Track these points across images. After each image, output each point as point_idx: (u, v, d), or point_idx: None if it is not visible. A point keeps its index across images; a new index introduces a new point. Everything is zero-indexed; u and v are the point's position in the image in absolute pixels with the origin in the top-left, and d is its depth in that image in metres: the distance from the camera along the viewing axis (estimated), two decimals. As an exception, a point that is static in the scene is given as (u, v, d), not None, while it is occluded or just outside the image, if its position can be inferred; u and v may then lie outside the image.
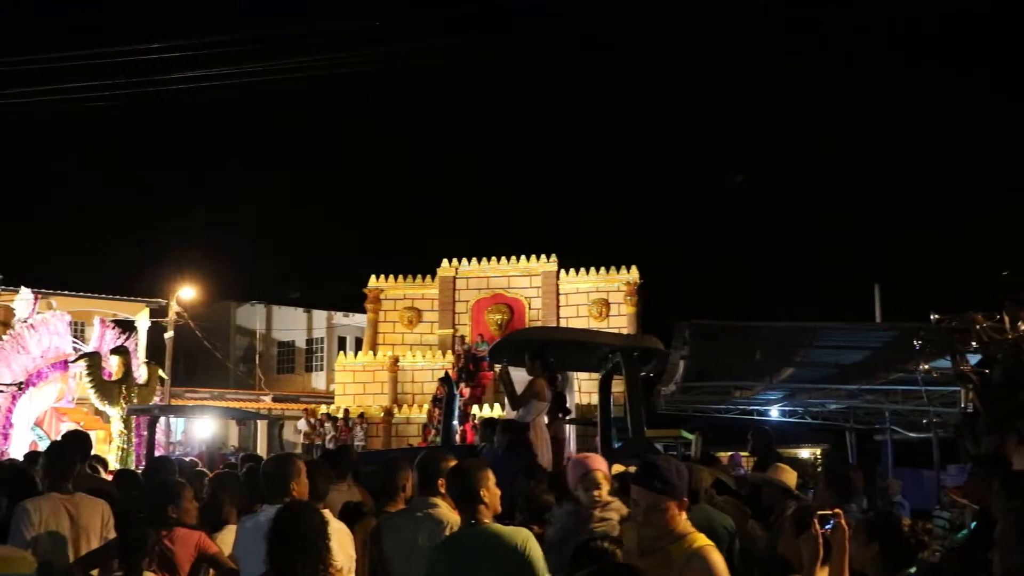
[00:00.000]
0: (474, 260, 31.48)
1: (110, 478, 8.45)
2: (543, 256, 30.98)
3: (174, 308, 32.18)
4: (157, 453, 16.77)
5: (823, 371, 14.75)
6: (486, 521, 4.29)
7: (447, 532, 4.58)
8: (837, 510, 3.80)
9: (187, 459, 11.23)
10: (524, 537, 4.21)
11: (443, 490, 4.72)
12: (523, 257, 31.17)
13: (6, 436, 16.17)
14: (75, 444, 6.68)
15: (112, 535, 5.35)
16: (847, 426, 19.21)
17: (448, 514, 4.71)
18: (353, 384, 30.28)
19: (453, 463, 4.80)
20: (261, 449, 31.67)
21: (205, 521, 5.62)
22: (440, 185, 57.73)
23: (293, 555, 3.85)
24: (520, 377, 9.58)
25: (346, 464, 6.54)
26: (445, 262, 31.49)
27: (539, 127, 62.68)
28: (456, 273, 31.41)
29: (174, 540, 5.08)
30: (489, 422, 9.54)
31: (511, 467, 6.99)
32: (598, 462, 5.12)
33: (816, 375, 15.36)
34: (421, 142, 60.48)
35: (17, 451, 15.86)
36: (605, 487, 4.96)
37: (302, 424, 28.10)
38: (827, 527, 3.68)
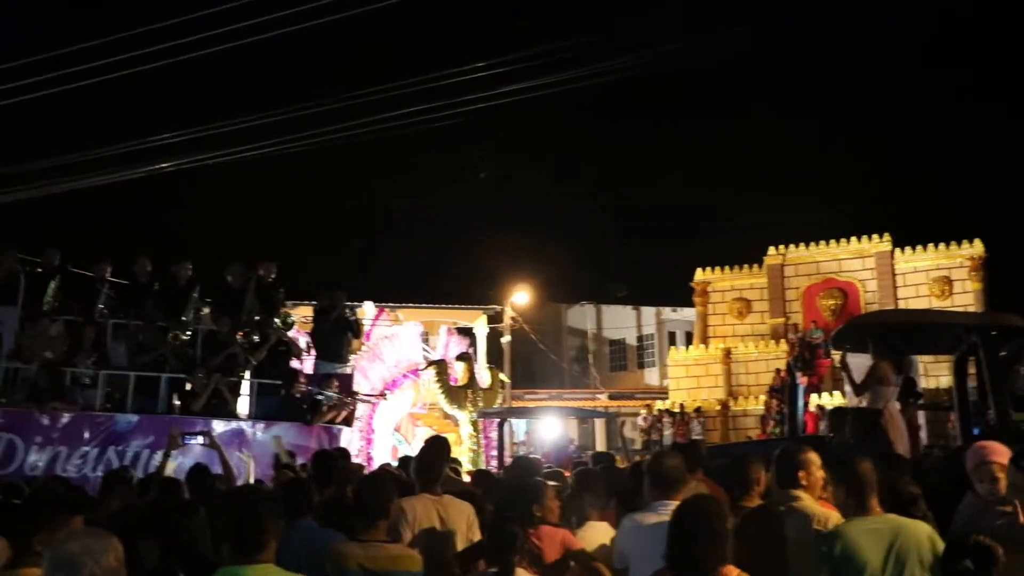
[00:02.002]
0: (801, 245, 30.56)
1: (467, 479, 8.85)
2: (875, 235, 29.58)
3: (509, 314, 33.42)
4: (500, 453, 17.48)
5: None
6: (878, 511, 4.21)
7: (814, 525, 4.45)
8: None
9: (534, 457, 11.58)
10: (929, 531, 4.07)
11: (804, 482, 4.59)
12: (853, 238, 29.91)
13: (369, 441, 17.34)
14: (440, 449, 6.97)
15: (476, 536, 5.57)
16: None
17: (812, 506, 4.58)
18: (687, 378, 30.22)
19: (811, 455, 4.66)
20: (600, 446, 32.23)
21: (567, 518, 5.76)
22: (756, 169, 56.45)
23: (695, 543, 3.91)
24: (855, 363, 9.17)
25: (696, 459, 6.48)
26: (772, 249, 30.78)
27: (866, 95, 59.88)
28: (784, 260, 30.64)
29: (541, 538, 5.21)
30: (838, 411, 9.19)
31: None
32: (996, 452, 4.78)
33: None
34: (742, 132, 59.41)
35: (379, 455, 16.98)
36: (1003, 479, 4.63)
37: (640, 420, 28.33)
38: None
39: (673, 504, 4.70)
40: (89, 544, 3.18)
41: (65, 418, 11.44)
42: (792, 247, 30.58)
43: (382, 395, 17.83)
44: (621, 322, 41.89)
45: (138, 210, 38.44)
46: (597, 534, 5.74)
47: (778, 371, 26.93)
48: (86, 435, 11.48)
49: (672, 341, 38.28)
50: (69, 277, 13.09)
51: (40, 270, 12.72)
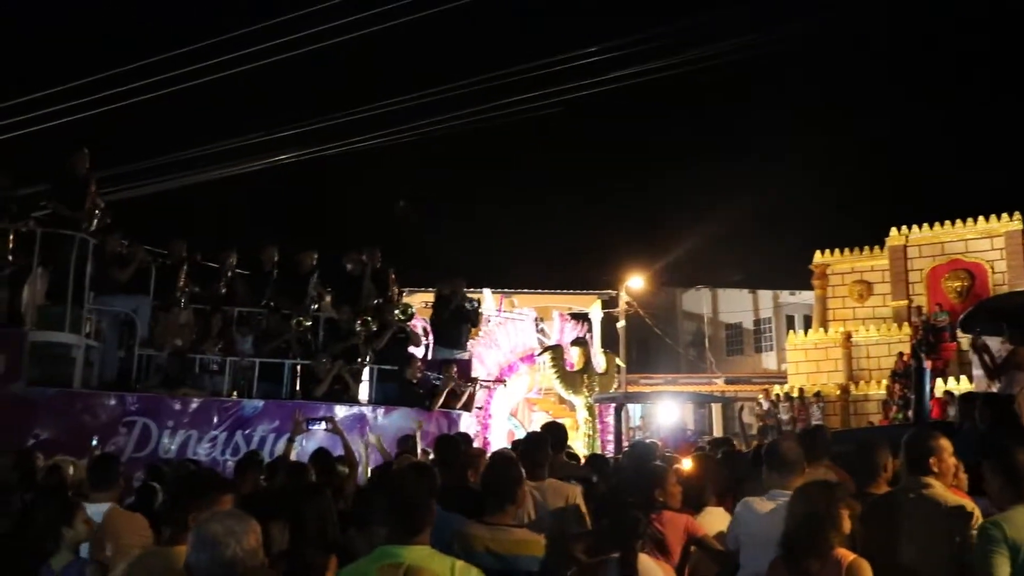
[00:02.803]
0: (925, 226, 29.69)
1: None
2: (1004, 215, 28.56)
3: (624, 298, 33.31)
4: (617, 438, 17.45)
5: None
6: None
7: (947, 512, 4.35)
8: None
9: (650, 442, 11.53)
10: None
11: (935, 469, 4.49)
12: (980, 218, 28.92)
13: (486, 426, 17.49)
14: (549, 434, 6.97)
15: (586, 520, 5.58)
16: None
17: (944, 493, 4.47)
18: (805, 362, 29.71)
19: (943, 441, 4.55)
20: (717, 432, 31.93)
21: (687, 504, 5.74)
22: (877, 150, 54.96)
23: (811, 529, 3.90)
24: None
25: (820, 445, 6.38)
26: (894, 230, 29.98)
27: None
28: (906, 241, 29.81)
29: (663, 523, 5.21)
30: (968, 397, 8.90)
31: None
32: None
33: None
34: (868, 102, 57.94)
35: (496, 440, 17.12)
36: None
37: (758, 405, 27.96)
38: None
39: (788, 491, 4.66)
40: (231, 525, 3.28)
41: (195, 403, 11.85)
42: (915, 228, 29.74)
43: (500, 380, 17.96)
44: (737, 306, 41.37)
45: (262, 200, 39.41)
46: (716, 520, 5.71)
47: (901, 355, 26.29)
48: (215, 420, 11.88)
49: (790, 325, 37.65)
50: (196, 267, 13.53)
51: (169, 261, 13.17)
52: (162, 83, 18.56)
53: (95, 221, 12.28)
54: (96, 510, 5.75)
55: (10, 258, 11.81)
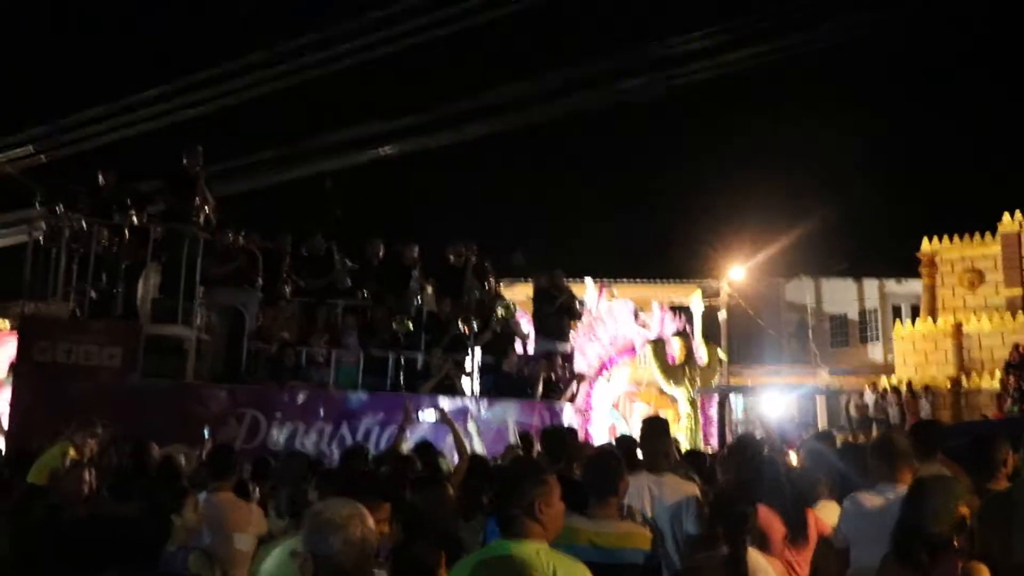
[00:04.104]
0: (1039, 210, 28.75)
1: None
2: None
3: (725, 289, 32.92)
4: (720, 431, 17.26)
5: None
6: None
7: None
8: None
9: (758, 436, 11.36)
10: None
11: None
12: (1098, 200, 27.90)
13: (587, 419, 17.45)
14: (660, 427, 6.93)
15: (703, 516, 5.52)
16: None
17: (1068, 489, 4.32)
18: (913, 354, 29.00)
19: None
20: (822, 424, 31.37)
21: (794, 497, 5.64)
22: (986, 132, 53.27)
23: (928, 523, 3.83)
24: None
25: (935, 439, 6.22)
26: (1006, 216, 29.05)
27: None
28: (1020, 227, 28.86)
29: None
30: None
31: None
32: None
33: None
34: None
35: (598, 433, 17.06)
36: None
37: (865, 398, 27.38)
38: None
39: (899, 486, 4.56)
40: (351, 509, 3.33)
41: (302, 395, 12.06)
42: (1030, 213, 28.84)
43: (602, 372, 17.91)
44: (842, 296, 40.47)
45: (365, 194, 39.96)
46: (830, 515, 5.61)
47: (1016, 346, 25.48)
48: (321, 412, 12.08)
49: (897, 315, 36.75)
50: (302, 260, 13.78)
51: (275, 254, 13.44)
52: (266, 80, 18.91)
53: (205, 216, 12.60)
54: (212, 499, 5.91)
55: (125, 253, 12.21)
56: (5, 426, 12.06)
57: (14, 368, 12.39)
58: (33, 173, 19.18)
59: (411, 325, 13.11)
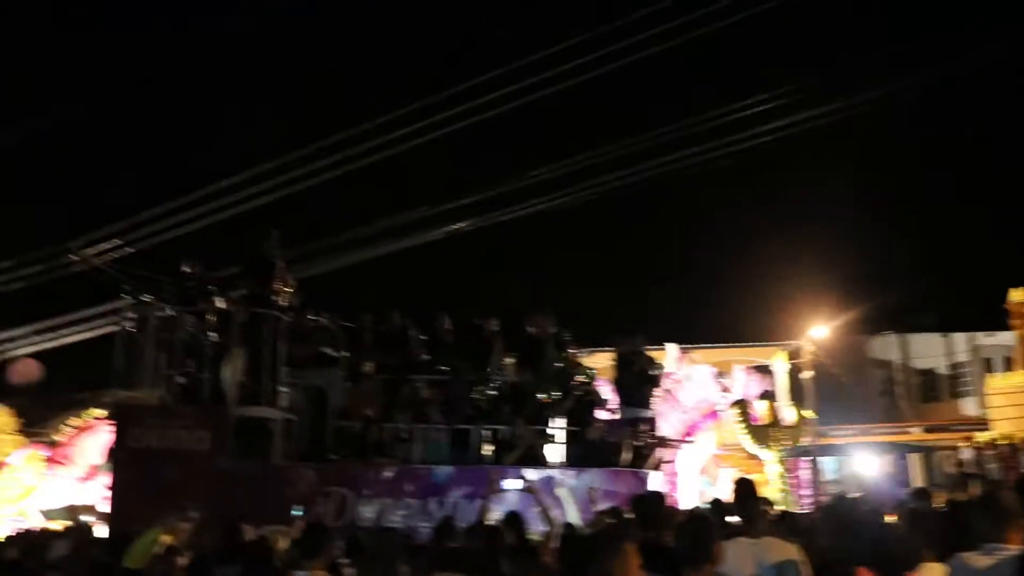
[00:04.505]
0: None
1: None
2: None
3: (808, 348, 32.43)
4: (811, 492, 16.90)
5: None
6: None
7: None
8: None
9: (854, 496, 11.08)
10: None
11: None
12: None
13: (675, 485, 17.23)
14: (750, 489, 6.83)
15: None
16: None
17: None
18: (1010, 407, 28.17)
19: None
20: (917, 482, 30.51)
21: (896, 559, 5.48)
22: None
23: None
24: None
25: (1041, 494, 6.01)
26: (1099, 261, 28.34)
27: None
28: (1113, 272, 28.11)
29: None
30: None
31: None
32: None
33: None
34: None
35: (685, 499, 16.82)
36: None
37: (961, 453, 26.62)
38: None
39: (1008, 545, 4.41)
40: None
41: (388, 472, 12.11)
42: None
43: (687, 438, 17.72)
44: (929, 351, 39.65)
45: (435, 270, 40.33)
46: (934, 577, 5.44)
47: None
48: (408, 487, 12.09)
49: (989, 368, 35.83)
50: (380, 337, 13.93)
51: (355, 332, 13.61)
52: (336, 164, 19.33)
53: (285, 299, 12.84)
54: (307, 579, 5.94)
55: (211, 339, 12.50)
56: (104, 511, 12.33)
57: (111, 455, 12.72)
58: (119, 265, 19.74)
59: (493, 393, 13.14)
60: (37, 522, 19.97)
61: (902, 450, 29.57)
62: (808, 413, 22.64)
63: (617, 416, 14.26)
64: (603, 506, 9.97)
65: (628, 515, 8.04)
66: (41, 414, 26.76)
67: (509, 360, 14.01)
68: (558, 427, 13.29)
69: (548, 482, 12.25)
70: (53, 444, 22.24)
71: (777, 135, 18.54)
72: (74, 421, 22.56)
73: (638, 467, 13.19)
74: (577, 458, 12.94)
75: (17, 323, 25.13)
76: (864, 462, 23.59)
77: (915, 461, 33.45)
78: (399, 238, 21.08)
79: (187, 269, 13.13)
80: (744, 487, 6.23)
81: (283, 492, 11.58)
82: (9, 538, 13.60)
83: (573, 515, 10.25)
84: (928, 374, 40.01)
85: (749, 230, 57.09)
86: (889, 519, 7.18)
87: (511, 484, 9.96)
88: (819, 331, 33.51)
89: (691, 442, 17.66)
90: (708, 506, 8.66)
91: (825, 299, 35.46)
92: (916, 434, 33.77)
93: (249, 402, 12.19)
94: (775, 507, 11.57)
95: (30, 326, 24.84)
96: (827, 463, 29.63)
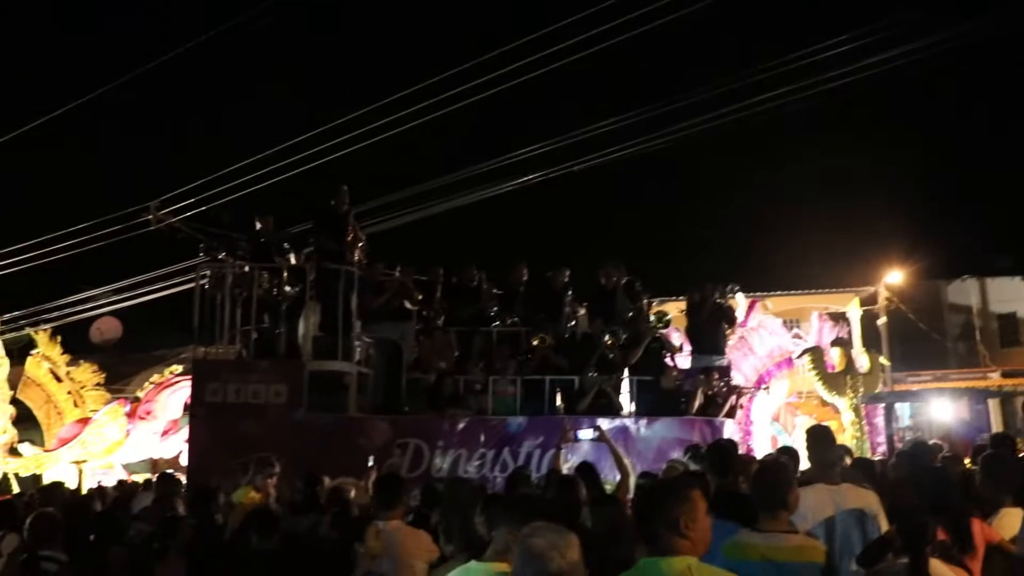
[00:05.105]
0: None
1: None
2: None
3: (883, 294, 31.93)
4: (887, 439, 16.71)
5: None
6: None
7: None
8: None
9: (932, 443, 10.95)
10: None
11: None
12: None
13: (748, 433, 17.15)
14: (825, 437, 6.74)
15: (884, 526, 5.36)
16: None
17: None
18: (1093, 350, 27.55)
19: None
20: (996, 428, 30.01)
21: (975, 506, 5.43)
22: None
23: None
24: None
25: None
26: None
27: None
28: None
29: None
30: None
31: None
32: None
33: None
34: None
35: (759, 446, 16.75)
36: None
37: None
38: None
39: None
40: (554, 539, 3.35)
41: (462, 423, 12.23)
42: None
43: (760, 385, 17.59)
44: (1010, 294, 38.75)
45: (507, 222, 40.33)
46: (1013, 522, 5.37)
47: None
48: (482, 438, 12.21)
49: (1072, 310, 34.97)
50: (453, 289, 14.00)
51: (428, 285, 13.71)
52: (408, 117, 19.35)
53: (357, 253, 12.95)
54: (386, 528, 6.05)
55: (286, 293, 12.68)
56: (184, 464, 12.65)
57: (190, 409, 13.01)
58: (195, 224, 20.07)
59: (565, 343, 13.17)
60: (121, 475, 20.60)
61: (980, 396, 29.09)
62: (883, 360, 22.31)
63: (690, 364, 14.21)
64: (674, 454, 10.00)
65: (698, 464, 8.06)
66: (123, 370, 27.51)
67: (580, 311, 14.01)
68: (630, 376, 13.28)
69: (621, 432, 12.29)
70: (134, 399, 22.86)
71: (853, 77, 18.08)
72: (154, 377, 23.15)
73: (712, 415, 13.15)
74: (649, 407, 12.94)
75: (98, 283, 25.76)
76: (941, 408, 23.21)
77: (994, 407, 32.93)
78: (470, 191, 21.08)
79: (260, 225, 13.30)
80: (820, 434, 6.18)
81: (358, 444, 11.77)
82: (96, 490, 14.06)
83: (643, 464, 10.26)
84: (1007, 318, 39.13)
85: (824, 175, 56.06)
86: (967, 465, 7.10)
87: (584, 434, 9.98)
88: (895, 276, 32.93)
89: (765, 388, 17.53)
90: (781, 453, 8.60)
91: (901, 244, 34.87)
92: (995, 379, 33.13)
93: (324, 356, 12.37)
94: (850, 454, 11.51)
95: (111, 285, 25.43)
96: (903, 410, 29.27)
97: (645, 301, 14.33)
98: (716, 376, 13.47)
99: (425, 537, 6.28)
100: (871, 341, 27.20)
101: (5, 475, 21.82)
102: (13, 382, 23.39)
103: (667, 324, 14.26)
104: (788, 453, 8.43)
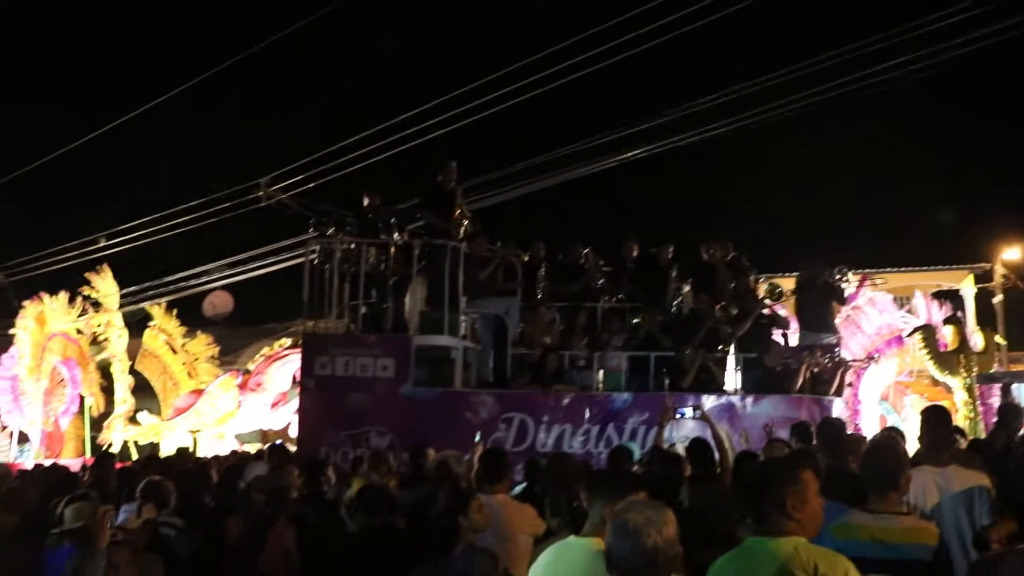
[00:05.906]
0: None
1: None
2: None
3: (999, 271, 30.96)
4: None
5: None
6: None
7: None
8: None
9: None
10: None
11: None
12: None
13: (856, 412, 16.86)
14: (940, 417, 6.62)
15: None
16: None
17: None
18: None
19: None
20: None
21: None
22: None
23: None
24: None
25: None
26: None
27: None
28: None
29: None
30: None
31: None
32: None
33: None
34: None
35: (867, 425, 16.47)
36: None
37: None
38: None
39: None
40: (650, 515, 3.37)
41: (567, 399, 12.29)
42: None
43: (870, 358, 17.24)
44: None
45: (610, 198, 40.15)
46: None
47: None
48: (587, 414, 12.24)
49: None
50: (557, 266, 14.04)
51: (532, 261, 13.76)
52: (511, 94, 19.37)
53: (463, 229, 13.07)
54: (491, 502, 6.12)
55: (392, 269, 12.89)
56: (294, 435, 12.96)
57: (300, 382, 13.34)
58: (305, 200, 20.46)
59: (671, 319, 13.12)
60: (233, 445, 21.21)
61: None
62: (999, 339, 21.64)
63: (797, 341, 14.01)
64: (782, 432, 9.88)
65: (801, 443, 7.97)
66: (234, 343, 28.24)
67: (686, 287, 13.92)
68: (736, 353, 13.17)
69: (726, 409, 12.20)
70: (245, 372, 23.49)
71: (966, 49, 17.48)
72: (265, 350, 23.73)
73: (820, 393, 12.97)
74: (756, 384, 12.82)
75: (211, 258, 26.47)
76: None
77: None
78: (574, 166, 21.04)
79: (368, 201, 13.51)
80: (935, 414, 6.06)
81: (463, 418, 11.92)
82: (212, 459, 14.51)
83: (743, 443, 10.17)
84: None
85: (936, 149, 54.46)
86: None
87: (688, 410, 9.95)
88: (1012, 253, 31.86)
89: (874, 361, 17.20)
90: (889, 434, 8.46)
91: (1018, 219, 33.60)
92: (1122, 359, 31.91)
93: (430, 331, 12.52)
94: (964, 436, 11.25)
95: (223, 260, 26.11)
96: (1020, 390, 28.39)
97: (752, 277, 14.17)
98: (824, 353, 13.25)
99: (530, 511, 6.33)
100: (986, 319, 26.46)
101: (125, 443, 22.68)
102: (132, 353, 24.28)
103: (779, 297, 14.05)
104: (896, 434, 8.28)
